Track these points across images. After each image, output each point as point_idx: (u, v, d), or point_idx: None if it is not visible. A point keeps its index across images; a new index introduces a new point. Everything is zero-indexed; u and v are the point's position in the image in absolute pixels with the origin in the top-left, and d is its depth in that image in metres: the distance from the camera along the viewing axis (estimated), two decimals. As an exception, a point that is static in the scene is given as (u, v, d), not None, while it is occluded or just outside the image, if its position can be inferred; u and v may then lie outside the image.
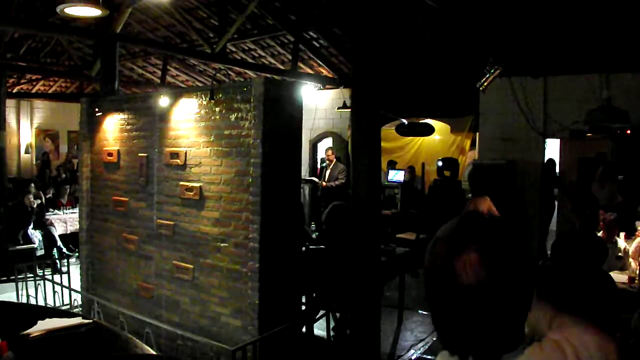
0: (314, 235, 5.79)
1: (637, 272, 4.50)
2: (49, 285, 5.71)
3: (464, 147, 10.37)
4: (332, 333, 5.06)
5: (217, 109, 4.32)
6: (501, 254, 0.94)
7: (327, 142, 11.95)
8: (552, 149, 8.99)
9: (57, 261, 7.57)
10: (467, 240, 0.95)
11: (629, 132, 7.08)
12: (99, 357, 2.80)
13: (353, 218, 4.37)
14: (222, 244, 4.25)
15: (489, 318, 0.93)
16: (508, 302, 0.93)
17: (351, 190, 4.50)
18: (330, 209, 5.00)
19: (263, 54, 10.76)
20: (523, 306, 0.96)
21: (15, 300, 5.47)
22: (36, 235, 8.03)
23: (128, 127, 5.22)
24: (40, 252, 7.89)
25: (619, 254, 4.80)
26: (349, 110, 6.39)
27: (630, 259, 4.71)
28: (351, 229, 4.37)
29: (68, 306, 5.73)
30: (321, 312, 4.97)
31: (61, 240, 8.31)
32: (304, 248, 4.85)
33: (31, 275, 5.72)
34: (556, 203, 8.78)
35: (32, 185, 9.11)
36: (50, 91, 13.42)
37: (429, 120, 10.63)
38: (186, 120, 4.58)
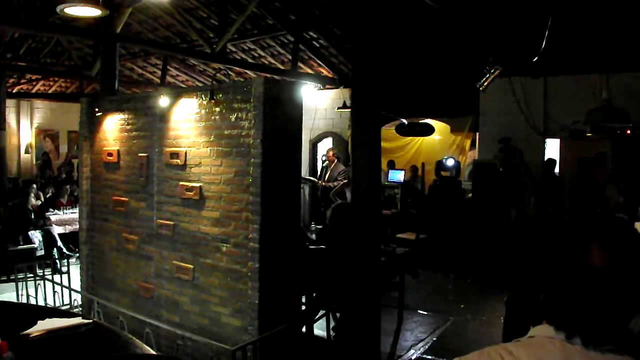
0: (314, 236, 5.78)
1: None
2: (49, 285, 5.70)
3: (464, 147, 10.38)
4: (332, 333, 5.06)
5: (217, 109, 4.32)
6: (627, 244, 1.08)
7: (327, 142, 11.95)
8: (552, 149, 8.99)
9: (57, 261, 7.57)
10: (599, 230, 1.11)
11: (629, 132, 7.08)
12: (99, 357, 2.80)
13: (357, 217, 4.37)
14: (224, 244, 4.25)
15: (610, 300, 1.04)
16: (626, 290, 1.04)
17: (351, 190, 4.50)
18: (335, 208, 4.99)
19: (263, 54, 10.76)
20: (635, 300, 1.05)
21: (15, 300, 5.47)
22: (36, 235, 8.02)
23: (128, 127, 5.21)
24: (40, 252, 7.89)
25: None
26: (349, 110, 6.38)
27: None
28: (356, 229, 4.37)
29: (68, 306, 5.73)
30: (321, 312, 4.97)
31: (61, 240, 8.31)
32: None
33: (31, 275, 5.72)
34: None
35: (34, 186, 9.10)
36: (50, 91, 13.43)
37: (429, 120, 10.64)
38: (186, 120, 4.58)
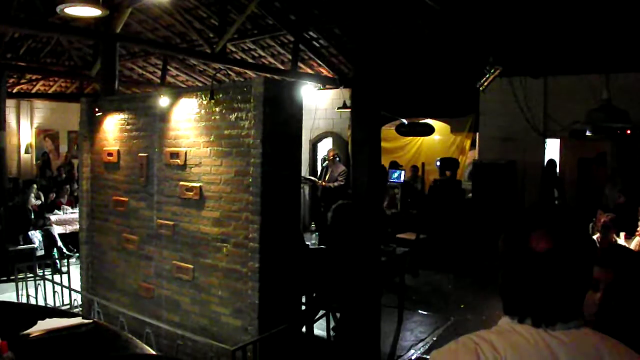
0: (314, 235, 5.78)
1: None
2: (49, 285, 5.71)
3: (464, 147, 10.38)
4: (332, 333, 5.06)
5: (217, 109, 4.32)
6: (567, 231, 1.13)
7: (327, 142, 11.95)
8: (552, 149, 8.99)
9: (57, 261, 7.57)
10: (538, 219, 1.15)
11: (629, 132, 7.08)
12: (99, 357, 2.80)
13: (359, 217, 4.37)
14: (224, 245, 4.25)
15: (553, 283, 1.09)
16: (570, 272, 1.10)
17: (351, 190, 4.50)
18: (336, 209, 4.98)
19: (263, 54, 10.76)
20: (581, 280, 1.12)
21: (15, 300, 5.47)
22: (36, 235, 8.02)
23: (128, 127, 5.21)
24: (40, 252, 7.89)
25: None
26: (349, 110, 6.38)
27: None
28: (358, 229, 4.37)
29: (68, 306, 5.73)
30: (321, 312, 4.97)
31: (61, 240, 8.31)
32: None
33: (31, 275, 5.72)
34: (556, 204, 8.78)
35: (34, 186, 9.09)
36: (50, 91, 13.41)
37: (429, 120, 10.64)
38: (186, 120, 4.58)
